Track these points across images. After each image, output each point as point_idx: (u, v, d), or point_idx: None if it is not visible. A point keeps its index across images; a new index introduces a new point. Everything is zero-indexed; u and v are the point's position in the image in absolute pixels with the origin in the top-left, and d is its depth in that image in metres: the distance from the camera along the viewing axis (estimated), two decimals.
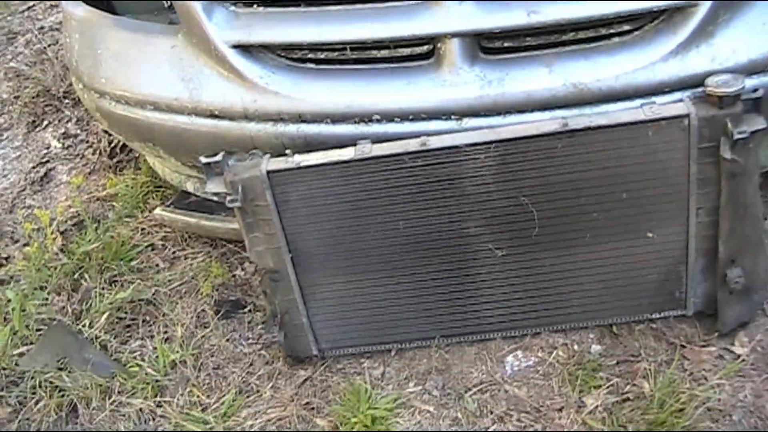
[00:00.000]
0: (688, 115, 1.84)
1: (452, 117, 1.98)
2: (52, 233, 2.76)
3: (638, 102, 1.92)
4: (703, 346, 2.08)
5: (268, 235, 2.04)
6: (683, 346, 2.09)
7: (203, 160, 2.02)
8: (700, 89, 1.87)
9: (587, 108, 1.95)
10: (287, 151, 2.02)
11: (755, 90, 1.84)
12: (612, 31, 1.98)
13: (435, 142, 1.92)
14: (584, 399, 2.02)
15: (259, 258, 2.08)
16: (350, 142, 1.99)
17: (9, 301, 2.59)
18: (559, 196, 1.96)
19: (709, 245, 2.00)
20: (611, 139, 1.89)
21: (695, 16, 1.91)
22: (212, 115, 2.16)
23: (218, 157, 2.01)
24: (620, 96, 1.94)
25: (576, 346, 2.15)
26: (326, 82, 2.06)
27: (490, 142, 1.90)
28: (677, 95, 1.92)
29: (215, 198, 2.11)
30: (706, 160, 1.89)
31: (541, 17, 1.93)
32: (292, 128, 2.08)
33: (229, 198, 1.99)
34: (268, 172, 1.97)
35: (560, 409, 2.02)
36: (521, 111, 1.97)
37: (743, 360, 2.04)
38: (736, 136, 1.81)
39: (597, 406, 2.00)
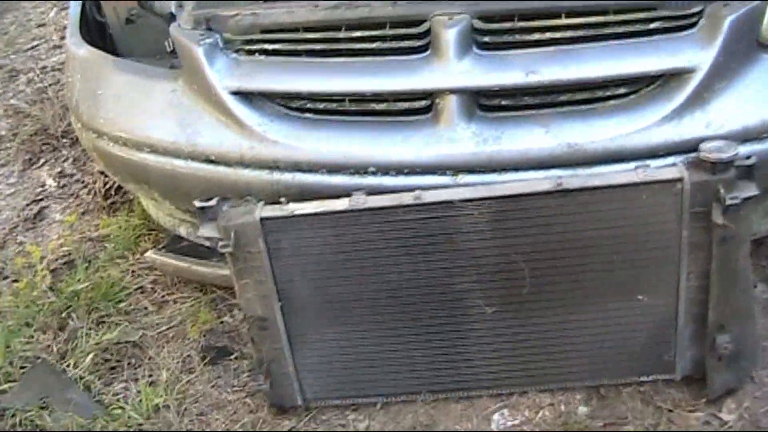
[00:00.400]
0: (681, 180, 1.85)
1: (447, 172, 2.00)
2: (42, 270, 2.75)
3: (632, 164, 1.93)
4: (691, 412, 2.07)
5: (258, 282, 2.04)
6: (670, 411, 2.08)
7: (197, 204, 2.02)
8: (693, 154, 1.89)
9: (582, 169, 1.97)
10: (282, 199, 2.02)
11: (748, 157, 1.86)
12: (608, 93, 2.01)
13: (429, 197, 1.92)
14: None
15: (248, 305, 2.08)
16: (345, 192, 1.99)
17: None
18: (551, 256, 1.96)
19: (699, 310, 1.99)
20: (605, 200, 1.90)
21: (691, 82, 1.94)
22: (209, 160, 2.17)
23: (212, 202, 2.01)
24: (615, 158, 1.96)
25: (563, 407, 2.13)
26: (324, 132, 2.08)
27: (484, 199, 1.91)
28: (671, 159, 1.94)
29: (207, 243, 2.10)
30: (697, 225, 1.89)
31: (539, 77, 1.95)
32: (288, 176, 2.09)
33: (221, 243, 1.99)
34: (262, 218, 1.97)
35: None
36: (516, 169, 1.98)
37: (730, 426, 2.02)
38: (728, 202, 1.81)
39: None
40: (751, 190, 1.84)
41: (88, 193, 3.28)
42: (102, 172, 3.15)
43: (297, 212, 1.97)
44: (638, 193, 1.89)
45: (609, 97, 2.01)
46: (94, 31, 2.64)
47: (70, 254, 2.93)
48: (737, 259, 1.91)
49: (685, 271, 1.95)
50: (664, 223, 1.91)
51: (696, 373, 2.08)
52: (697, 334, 2.03)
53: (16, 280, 2.83)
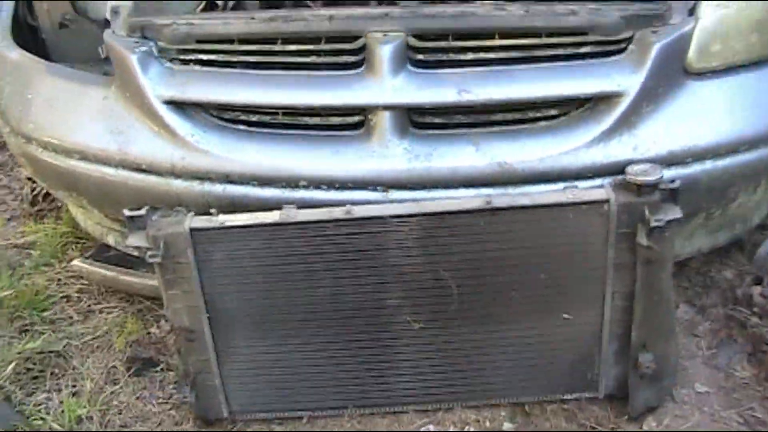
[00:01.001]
0: (608, 201, 1.89)
1: (379, 188, 2.01)
2: None
3: (561, 185, 1.97)
4: (613, 429, 2.10)
5: (186, 293, 2.02)
6: (593, 428, 2.11)
7: (126, 213, 1.99)
8: (620, 176, 1.93)
9: (511, 188, 1.99)
10: (212, 211, 2.01)
11: (673, 181, 1.90)
12: (539, 114, 2.04)
13: (360, 212, 1.93)
14: None
15: (175, 316, 2.05)
16: (276, 206, 1.98)
17: None
18: (479, 273, 1.98)
19: (623, 329, 2.03)
20: (533, 219, 1.93)
21: (619, 106, 1.98)
22: (139, 169, 2.15)
23: (142, 212, 1.98)
24: (544, 178, 1.99)
25: (488, 423, 2.15)
26: (256, 144, 2.08)
27: (414, 215, 1.92)
28: (599, 181, 1.98)
29: (136, 252, 2.08)
30: (623, 246, 1.93)
31: (472, 96, 1.98)
32: (219, 188, 2.08)
33: (149, 253, 1.96)
34: (191, 229, 1.95)
35: None
36: (447, 186, 2.00)
37: None
38: (653, 224, 1.86)
39: None
40: (675, 213, 1.88)
41: (15, 199, 3.22)
42: (30, 178, 3.09)
43: (227, 224, 1.96)
44: (566, 213, 1.92)
45: (539, 118, 2.04)
46: (27, 35, 2.60)
47: None
48: (661, 279, 1.95)
49: (610, 291, 1.99)
50: (591, 244, 1.95)
51: (619, 392, 2.12)
52: (620, 352, 2.06)
53: None
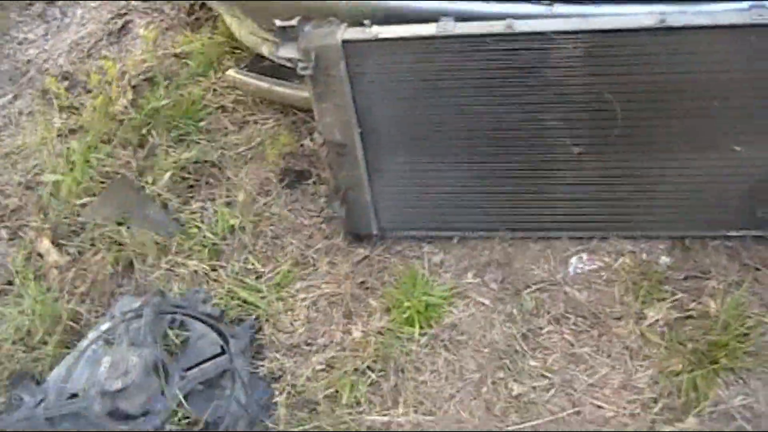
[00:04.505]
0: None
1: (543, 1, 1.87)
2: (118, 86, 2.73)
3: (746, 4, 1.78)
4: None
5: (338, 107, 1.97)
6: (757, 269, 2.00)
7: (278, 23, 1.94)
8: None
9: (689, 5, 1.81)
10: (366, 22, 1.92)
11: None
12: None
13: (521, 26, 1.80)
14: (645, 311, 1.96)
15: (327, 130, 2.02)
16: (432, 18, 1.88)
17: (74, 151, 2.59)
18: (645, 97, 1.85)
19: None
20: (710, 41, 1.76)
21: None
22: None
23: (294, 22, 1.92)
24: None
25: (644, 255, 2.07)
26: None
27: (580, 32, 1.78)
28: None
29: (288, 64, 2.03)
30: None
31: None
32: None
33: (301, 65, 1.92)
34: (344, 41, 1.88)
35: (619, 318, 1.96)
36: (617, 0, 1.84)
37: None
38: None
39: (658, 320, 1.94)
40: None
41: (172, 8, 3.21)
42: None
43: (381, 36, 1.88)
44: (748, 36, 1.74)
45: None
46: None
47: (151, 70, 2.89)
48: None
49: None
50: None
51: None
52: None
53: (103, 94, 2.79)
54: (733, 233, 2.03)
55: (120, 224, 2.38)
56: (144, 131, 2.65)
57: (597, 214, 2.05)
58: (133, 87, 2.81)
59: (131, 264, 2.32)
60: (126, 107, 2.70)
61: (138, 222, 2.37)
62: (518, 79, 1.86)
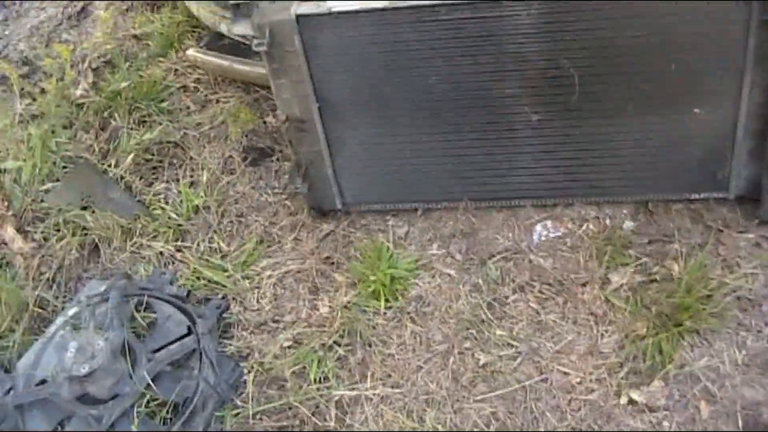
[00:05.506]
0: None
1: None
2: (77, 70, 2.70)
3: None
4: (741, 233, 2.00)
5: (295, 83, 1.96)
6: (720, 231, 2.01)
7: (231, 0, 1.92)
8: None
9: None
10: None
11: None
12: None
13: None
14: (610, 276, 1.97)
15: (285, 106, 2.01)
16: None
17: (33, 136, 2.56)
18: (603, 62, 1.85)
19: (760, 126, 1.88)
20: (666, 3, 1.76)
21: None
22: None
23: None
24: None
25: (608, 221, 2.07)
26: None
27: None
28: None
29: (244, 41, 2.02)
30: (766, 35, 1.75)
31: None
32: None
33: (255, 41, 1.90)
34: (298, 16, 1.87)
35: (584, 284, 1.97)
36: None
37: None
38: None
39: (622, 284, 1.95)
40: None
41: None
42: None
43: (335, 9, 1.87)
44: None
45: None
46: None
47: (111, 53, 2.86)
48: None
49: (748, 84, 1.83)
50: (730, 32, 1.78)
51: (751, 193, 1.99)
52: (755, 151, 1.92)
53: (60, 79, 2.76)
54: (696, 196, 2.03)
55: (84, 208, 2.36)
56: (105, 114, 2.62)
57: (559, 180, 2.05)
58: (94, 70, 2.78)
59: (97, 248, 2.31)
60: (86, 90, 2.67)
61: (102, 205, 2.35)
62: (473, 47, 1.86)
